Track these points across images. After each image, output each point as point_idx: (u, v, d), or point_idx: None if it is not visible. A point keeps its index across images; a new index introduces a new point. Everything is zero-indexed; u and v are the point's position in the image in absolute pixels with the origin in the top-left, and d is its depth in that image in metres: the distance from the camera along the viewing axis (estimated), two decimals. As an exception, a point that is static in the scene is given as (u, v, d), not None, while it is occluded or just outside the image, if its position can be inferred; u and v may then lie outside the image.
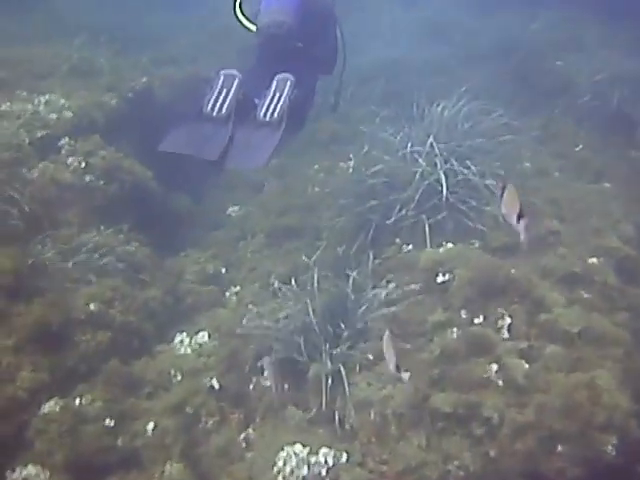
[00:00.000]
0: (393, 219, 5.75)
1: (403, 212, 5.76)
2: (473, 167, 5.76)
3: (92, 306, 5.13)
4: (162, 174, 7.30)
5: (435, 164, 5.82)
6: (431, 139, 5.96)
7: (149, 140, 7.69)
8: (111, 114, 7.12)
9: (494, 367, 4.32)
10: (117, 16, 11.03)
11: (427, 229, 5.63)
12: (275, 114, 4.51)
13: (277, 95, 4.62)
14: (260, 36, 5.12)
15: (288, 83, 4.67)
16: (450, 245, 5.49)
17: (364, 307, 4.83)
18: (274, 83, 4.66)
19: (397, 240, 5.81)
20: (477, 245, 5.58)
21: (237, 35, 10.45)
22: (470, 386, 4.26)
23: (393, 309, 4.78)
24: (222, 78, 4.59)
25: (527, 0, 12.76)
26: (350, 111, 8.96)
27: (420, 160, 5.86)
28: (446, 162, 5.82)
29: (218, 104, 4.52)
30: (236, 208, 7.47)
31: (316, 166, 8.09)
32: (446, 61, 10.19)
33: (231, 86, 4.58)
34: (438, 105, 6.65)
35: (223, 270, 6.34)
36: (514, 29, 11.23)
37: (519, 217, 3.22)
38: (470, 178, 5.72)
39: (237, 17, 5.37)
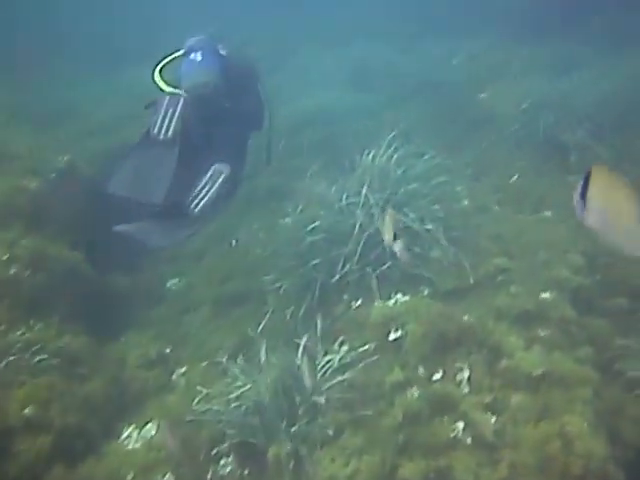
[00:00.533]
0: (338, 276, 5.54)
1: (347, 267, 5.56)
2: (411, 214, 5.62)
3: (28, 410, 4.74)
4: (94, 253, 6.99)
5: (372, 214, 5.66)
6: (365, 189, 5.80)
7: (76, 219, 7.46)
8: (33, 198, 6.76)
9: (460, 425, 4.11)
10: (33, 93, 10.72)
11: (374, 282, 5.45)
12: (198, 208, 4.76)
13: (207, 187, 4.77)
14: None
15: (222, 177, 4.79)
16: (400, 295, 5.33)
17: (318, 376, 4.56)
18: (209, 173, 4.78)
19: (345, 296, 5.62)
20: (426, 292, 5.44)
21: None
22: (438, 449, 4.03)
23: (348, 375, 4.52)
24: (167, 100, 4.68)
25: (448, 31, 13.11)
26: (284, 164, 8.83)
27: (358, 211, 5.69)
28: (384, 211, 5.66)
29: (164, 126, 4.65)
30: (176, 280, 7.18)
31: (255, 225, 7.90)
32: (372, 105, 10.19)
33: (176, 107, 4.66)
34: (369, 153, 6.51)
35: (168, 350, 6.01)
36: (436, 65, 11.37)
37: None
38: (410, 225, 5.57)
39: (156, 82, 5.30)
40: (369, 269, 5.53)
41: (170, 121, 4.73)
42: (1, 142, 7.66)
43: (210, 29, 6.08)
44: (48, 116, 9.84)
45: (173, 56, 5.51)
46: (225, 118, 5.52)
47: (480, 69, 10.94)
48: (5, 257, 5.79)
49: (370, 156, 6.42)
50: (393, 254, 5.36)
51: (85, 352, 5.63)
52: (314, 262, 5.70)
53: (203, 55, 5.33)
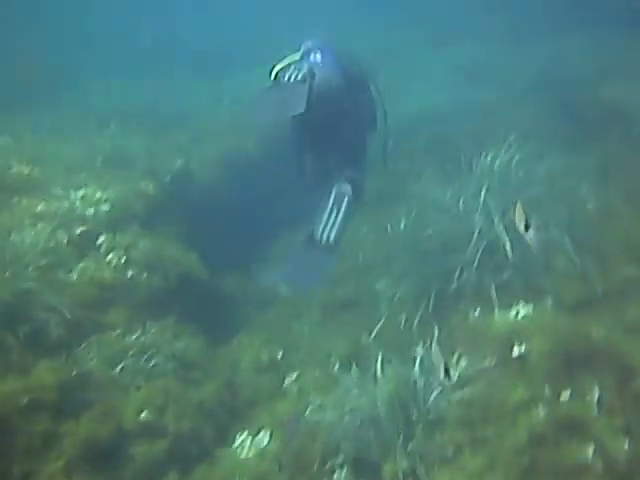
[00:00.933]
0: (455, 284, 5.31)
1: (465, 275, 5.32)
2: (535, 219, 5.29)
3: (144, 414, 4.79)
4: (207, 254, 7.07)
5: (492, 221, 5.39)
6: (483, 193, 5.54)
7: (190, 222, 7.58)
8: (149, 201, 6.92)
9: (590, 449, 3.81)
10: (150, 96, 11.01)
11: (493, 291, 5.19)
12: (331, 239, 4.76)
13: (334, 214, 4.80)
14: (310, 96, 5.02)
15: (345, 200, 4.78)
16: (521, 305, 5.05)
17: (436, 392, 4.36)
18: (332, 196, 4.78)
19: (462, 306, 5.38)
20: (550, 303, 5.11)
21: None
22: (566, 474, 3.76)
23: (468, 391, 4.30)
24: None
25: (557, 27, 12.46)
26: (396, 165, 8.63)
27: (476, 217, 5.44)
28: (504, 216, 5.38)
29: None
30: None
31: (365, 228, 7.75)
32: (487, 103, 9.80)
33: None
34: (486, 155, 6.22)
35: (279, 355, 5.95)
36: (549, 61, 10.83)
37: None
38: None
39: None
40: (488, 278, 5.26)
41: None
42: (124, 147, 7.87)
43: (321, 32, 6.05)
44: (160, 122, 10.04)
45: (292, 57, 5.46)
46: (345, 119, 5.47)
47: (596, 66, 10.30)
48: (123, 260, 5.89)
49: (488, 158, 6.11)
50: (515, 263, 5.12)
51: (199, 355, 5.67)
52: (430, 269, 5.47)
53: (323, 55, 5.29)
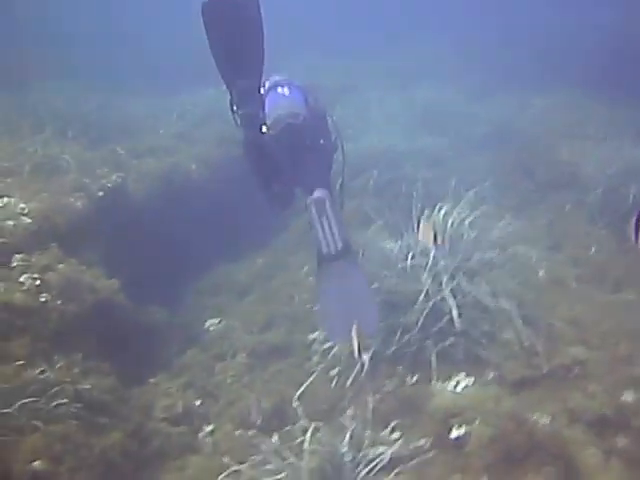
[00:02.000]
0: (394, 347, 4.95)
1: (406, 337, 4.97)
2: (484, 286, 5.01)
3: (37, 463, 4.24)
4: (134, 281, 6.57)
5: (440, 282, 5.06)
6: (433, 252, 5.21)
7: (120, 243, 7.05)
8: (75, 218, 6.38)
9: None
10: (96, 104, 10.40)
11: (434, 357, 4.85)
12: (339, 245, 4.53)
13: (325, 222, 4.52)
14: (276, 128, 5.02)
15: (327, 202, 4.52)
16: (462, 376, 4.73)
17: (363, 472, 3.96)
18: (313, 209, 4.48)
19: (399, 369, 5.02)
20: (491, 377, 4.81)
21: (218, 123, 10.04)
22: None
23: (399, 473, 3.92)
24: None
25: (522, 84, 12.49)
26: (345, 206, 8.32)
27: (424, 276, 5.10)
28: (453, 278, 5.07)
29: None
30: (215, 321, 6.68)
31: (305, 268, 7.38)
32: (441, 151, 9.63)
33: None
34: (439, 209, 5.93)
35: (197, 402, 5.46)
36: (510, 114, 10.75)
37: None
38: (480, 299, 4.97)
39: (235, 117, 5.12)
40: (430, 342, 4.93)
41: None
42: (52, 156, 7.28)
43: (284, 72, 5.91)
44: (104, 130, 9.48)
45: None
46: (306, 155, 5.23)
47: (556, 124, 10.25)
48: (36, 283, 5.34)
49: (441, 213, 5.81)
50: (459, 330, 4.80)
51: (108, 397, 5.11)
52: (369, 327, 5.10)
53: (290, 90, 5.15)
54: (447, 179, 8.80)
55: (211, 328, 6.60)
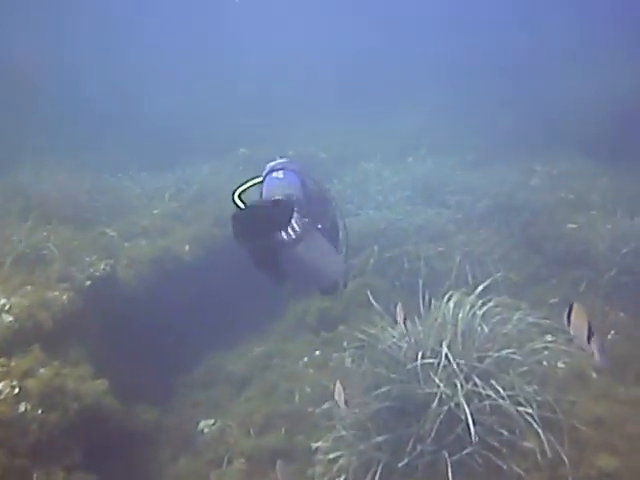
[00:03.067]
0: (406, 458, 4.50)
1: (418, 448, 4.52)
2: (501, 389, 4.58)
3: None
4: (123, 377, 6.15)
5: (454, 384, 4.64)
6: (445, 349, 4.81)
7: (109, 336, 6.64)
8: (60, 313, 5.98)
9: None
10: (89, 184, 10.11)
11: (449, 471, 4.39)
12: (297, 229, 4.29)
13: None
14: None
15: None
16: (481, 492, 4.27)
17: None
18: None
19: (410, 481, 4.56)
20: (514, 490, 4.35)
21: (213, 203, 9.74)
22: None
23: None
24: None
25: (523, 150, 12.28)
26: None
27: (436, 379, 4.68)
28: (467, 380, 4.65)
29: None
30: (210, 422, 6.22)
31: (305, 359, 6.97)
32: (443, 225, 9.29)
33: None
34: (448, 298, 5.56)
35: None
36: (512, 185, 10.46)
37: (589, 336, 3.16)
38: (499, 403, 4.54)
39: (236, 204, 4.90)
40: (445, 453, 4.47)
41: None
42: (37, 243, 6.92)
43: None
44: (89, 214, 9.15)
45: (253, 181, 5.06)
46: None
47: (561, 194, 9.95)
48: (15, 392, 4.91)
49: (450, 303, 5.43)
50: (477, 438, 4.35)
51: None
52: (378, 439, 4.65)
53: (285, 174, 4.89)
54: (451, 256, 8.52)
55: (205, 430, 6.15)
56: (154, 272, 7.95)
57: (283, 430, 5.89)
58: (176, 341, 7.47)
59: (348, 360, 6.49)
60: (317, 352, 7.12)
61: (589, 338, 3.20)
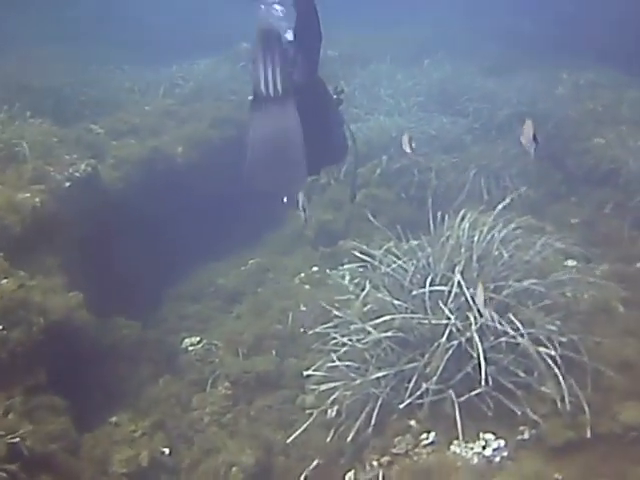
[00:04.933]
0: (408, 399, 3.97)
1: (422, 386, 4.00)
2: (520, 324, 4.00)
3: None
4: (103, 289, 5.63)
5: (466, 317, 4.07)
6: (458, 276, 4.21)
7: (89, 244, 6.07)
8: (31, 217, 5.37)
9: None
10: (75, 77, 9.26)
11: (457, 412, 3.87)
12: (278, 87, 3.63)
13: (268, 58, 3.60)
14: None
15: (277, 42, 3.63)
16: (490, 437, 3.77)
17: None
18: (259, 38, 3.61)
19: (412, 424, 4.05)
20: (527, 438, 3.84)
21: (210, 101, 8.99)
22: None
23: None
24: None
25: (546, 58, 11.33)
26: (344, 197, 7.33)
27: (446, 308, 4.10)
28: (480, 313, 4.07)
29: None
30: (195, 340, 5.72)
31: (302, 274, 6.42)
32: (459, 135, 8.55)
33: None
34: (462, 216, 4.92)
35: (166, 451, 4.53)
36: (536, 93, 9.61)
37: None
38: (517, 340, 3.97)
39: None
40: (452, 392, 3.94)
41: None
42: (10, 140, 6.22)
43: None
44: (75, 107, 8.41)
45: None
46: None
47: (588, 105, 9.13)
48: (-29, 306, 4.37)
49: (465, 223, 4.80)
50: (489, 378, 3.81)
51: (54, 447, 4.18)
52: (377, 371, 4.12)
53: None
54: (466, 168, 7.84)
55: (190, 348, 5.65)
56: (143, 174, 7.32)
57: (273, 352, 5.40)
58: (164, 250, 6.93)
59: (347, 279, 5.93)
60: (314, 268, 6.59)
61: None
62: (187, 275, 7.05)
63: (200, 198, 7.40)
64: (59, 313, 4.80)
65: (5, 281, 4.66)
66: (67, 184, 6.15)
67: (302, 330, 5.51)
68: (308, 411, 4.43)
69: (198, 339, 5.69)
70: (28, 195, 5.56)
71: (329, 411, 4.46)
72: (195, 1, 15.67)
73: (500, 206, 4.85)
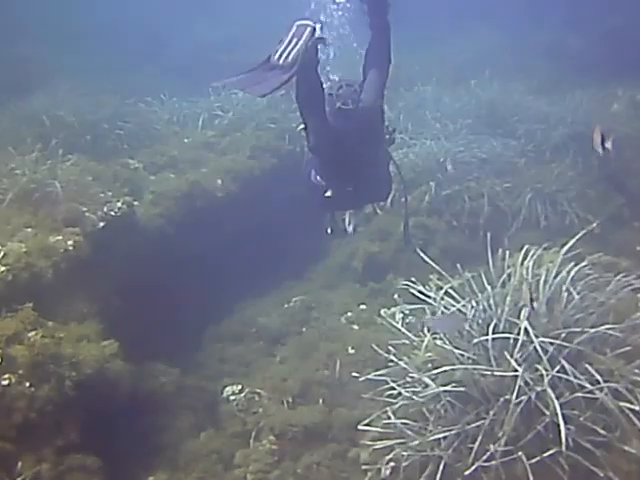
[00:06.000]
0: (472, 463, 3.54)
1: (490, 448, 3.56)
2: (599, 376, 3.54)
3: None
4: (139, 336, 5.34)
5: (536, 369, 3.63)
6: (525, 322, 3.77)
7: (125, 287, 5.80)
8: (63, 262, 5.11)
9: None
10: (111, 110, 9.06)
11: (530, 476, 3.43)
12: (289, 58, 3.66)
13: (294, 40, 3.73)
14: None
15: (308, 30, 3.74)
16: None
17: None
18: (293, 28, 3.76)
19: (478, 490, 3.61)
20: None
21: (250, 131, 8.71)
22: None
23: None
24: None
25: (599, 75, 10.80)
26: (391, 227, 6.97)
27: (512, 360, 3.66)
28: (551, 364, 3.62)
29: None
30: (236, 388, 5.35)
31: (349, 314, 6.04)
32: (511, 158, 8.10)
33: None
34: (526, 254, 4.49)
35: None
36: (590, 112, 9.12)
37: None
38: (595, 395, 3.51)
39: None
40: (522, 454, 3.49)
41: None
42: (43, 179, 5.97)
43: None
44: (112, 143, 8.21)
45: None
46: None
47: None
48: (-1, 362, 4.08)
49: (529, 261, 4.36)
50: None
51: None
52: (437, 432, 3.70)
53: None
54: (519, 193, 7.40)
55: (231, 397, 5.29)
56: (181, 209, 7.03)
57: (321, 401, 5.01)
58: (206, 288, 6.64)
59: (399, 317, 5.54)
60: (363, 306, 6.20)
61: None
62: (228, 315, 6.72)
63: (240, 232, 7.14)
64: (92, 365, 4.49)
65: (33, 333, 4.37)
66: (101, 224, 5.88)
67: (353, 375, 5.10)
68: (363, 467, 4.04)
69: (240, 387, 5.32)
70: (60, 238, 5.30)
71: (383, 469, 4.06)
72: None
73: (572, 241, 4.37)
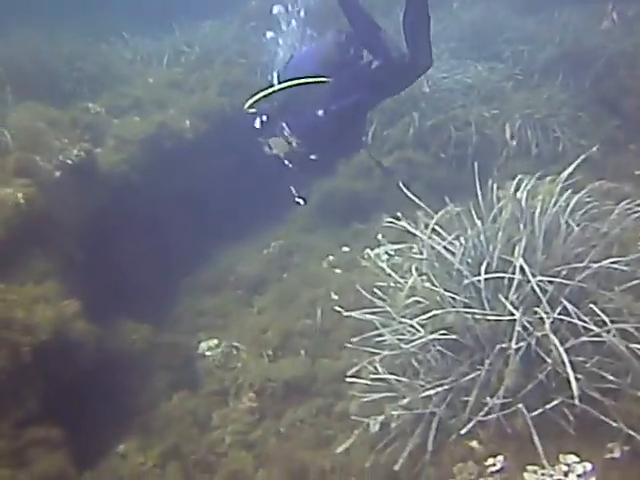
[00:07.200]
0: (469, 422, 3.19)
1: (484, 399, 3.21)
2: (605, 316, 3.17)
3: None
4: (105, 292, 4.94)
5: (535, 312, 3.26)
6: (520, 260, 3.37)
7: (88, 239, 5.39)
8: (13, 218, 4.66)
9: None
10: (68, 50, 8.45)
11: (532, 430, 3.09)
12: None
13: None
14: None
15: None
16: (572, 459, 3.02)
17: None
18: None
19: (474, 446, 3.28)
20: (617, 455, 3.05)
21: (219, 66, 8.18)
22: None
23: None
24: None
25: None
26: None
27: (506, 301, 3.28)
28: (551, 305, 3.25)
29: None
30: (213, 342, 5.00)
31: (330, 257, 5.66)
32: (498, 82, 7.63)
33: None
34: (516, 181, 4.08)
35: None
36: (578, 30, 8.61)
37: None
38: (603, 338, 3.15)
39: None
40: (522, 407, 3.15)
41: None
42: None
43: None
44: (70, 85, 7.64)
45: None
46: None
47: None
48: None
49: (521, 191, 3.95)
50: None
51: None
52: (429, 389, 3.34)
53: None
54: (508, 119, 6.97)
55: (207, 353, 4.94)
56: (146, 154, 6.55)
57: (302, 352, 4.66)
58: (175, 237, 6.24)
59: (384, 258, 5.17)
60: (345, 248, 5.83)
61: None
62: (203, 263, 6.33)
63: (213, 176, 6.71)
64: (48, 328, 4.09)
65: (-16, 294, 3.98)
66: (57, 174, 5.42)
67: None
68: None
69: (216, 341, 4.97)
70: (10, 191, 4.84)
71: (372, 424, 3.73)
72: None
73: (571, 168, 3.95)
